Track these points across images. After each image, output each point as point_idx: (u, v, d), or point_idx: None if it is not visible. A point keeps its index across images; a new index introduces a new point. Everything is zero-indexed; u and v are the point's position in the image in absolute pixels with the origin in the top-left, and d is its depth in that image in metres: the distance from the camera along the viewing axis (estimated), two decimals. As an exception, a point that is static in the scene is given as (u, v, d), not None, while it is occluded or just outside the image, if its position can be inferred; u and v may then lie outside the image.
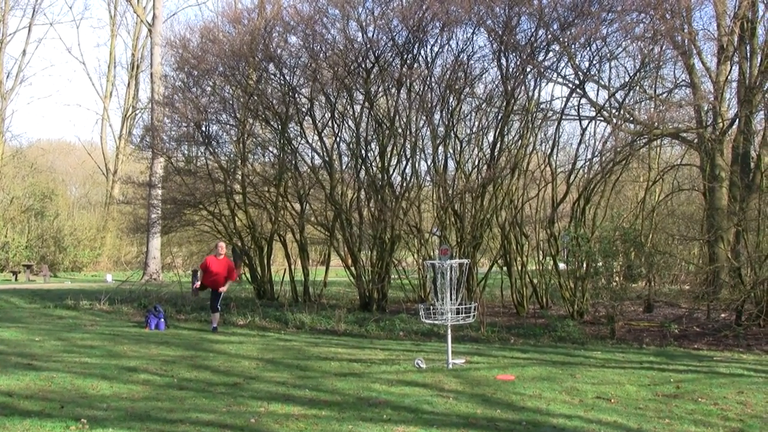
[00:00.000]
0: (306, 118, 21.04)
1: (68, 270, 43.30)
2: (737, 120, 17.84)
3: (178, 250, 33.62)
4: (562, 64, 18.42)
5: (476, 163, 19.77)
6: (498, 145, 18.47)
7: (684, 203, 23.93)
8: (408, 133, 19.30)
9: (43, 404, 7.91)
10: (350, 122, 20.29)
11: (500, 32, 17.40)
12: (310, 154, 21.96)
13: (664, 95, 19.66)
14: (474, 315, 11.54)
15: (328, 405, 8.14)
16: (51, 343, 13.07)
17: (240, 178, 22.11)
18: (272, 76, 21.15)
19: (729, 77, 19.01)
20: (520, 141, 18.44)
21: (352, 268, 19.77)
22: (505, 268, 18.94)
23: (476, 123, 20.05)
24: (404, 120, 19.31)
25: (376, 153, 19.96)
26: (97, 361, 11.15)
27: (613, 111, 17.97)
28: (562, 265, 17.86)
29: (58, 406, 7.85)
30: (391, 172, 19.77)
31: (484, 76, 20.08)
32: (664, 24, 16.45)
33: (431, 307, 11.33)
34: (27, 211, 44.01)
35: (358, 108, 20.04)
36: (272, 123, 21.52)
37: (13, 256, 40.80)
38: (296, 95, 20.70)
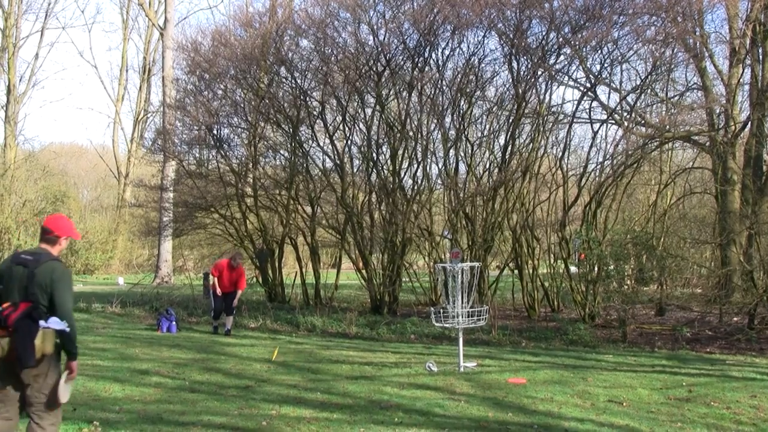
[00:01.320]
0: (317, 121, 21.09)
1: (80, 273, 43.44)
2: (749, 123, 17.81)
3: (190, 253, 33.65)
4: (574, 67, 18.42)
5: (487, 166, 19.77)
6: (509, 148, 18.47)
7: (696, 206, 23.86)
8: (419, 136, 19.32)
9: (56, 406, 7.94)
10: (361, 125, 20.31)
11: (511, 35, 17.39)
12: (321, 158, 22.01)
13: (676, 98, 19.61)
14: (485, 318, 11.54)
15: (340, 408, 8.15)
16: (63, 346, 13.10)
17: (251, 181, 22.15)
18: (283, 80, 21.20)
19: (741, 80, 18.98)
20: (531, 144, 18.45)
21: (363, 271, 19.77)
22: (516, 272, 18.92)
23: (487, 126, 20.07)
24: (415, 123, 19.33)
25: (388, 156, 19.99)
26: (109, 363, 11.19)
27: (625, 114, 17.94)
28: (573, 269, 17.82)
29: (71, 408, 7.87)
30: (402, 175, 19.77)
31: (495, 79, 20.13)
32: (675, 27, 16.41)
33: (442, 311, 11.32)
34: (39, 213, 44.12)
35: (369, 111, 20.09)
36: (283, 126, 21.56)
37: (25, 259, 40.92)
38: (307, 98, 20.74)
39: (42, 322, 5.13)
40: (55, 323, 5.18)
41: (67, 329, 5.20)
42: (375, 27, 18.53)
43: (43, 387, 5.24)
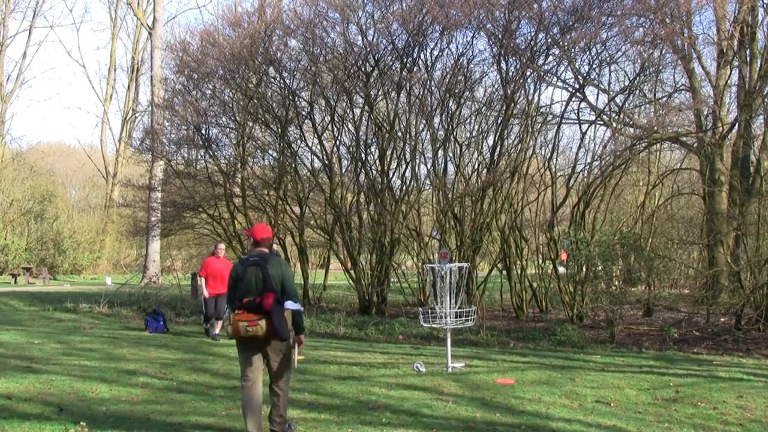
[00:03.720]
0: (306, 121, 21.07)
1: (67, 273, 43.29)
2: (737, 124, 17.86)
3: (178, 253, 33.60)
4: (562, 68, 18.48)
5: (476, 166, 19.79)
6: (498, 149, 18.49)
7: (683, 207, 23.95)
8: (408, 136, 19.32)
9: (42, 407, 7.91)
10: (350, 126, 20.31)
11: (500, 36, 17.41)
12: (309, 158, 21.99)
13: (664, 99, 19.67)
14: (473, 319, 11.54)
15: (328, 408, 8.14)
16: (50, 346, 13.07)
17: (239, 181, 22.10)
18: (272, 80, 21.16)
19: (729, 81, 19.03)
20: (519, 145, 18.45)
21: (352, 272, 19.76)
22: (504, 272, 18.94)
23: (476, 127, 20.12)
24: (404, 123, 19.33)
25: (376, 156, 19.98)
26: (97, 364, 11.15)
27: (613, 115, 17.99)
28: (561, 269, 17.86)
29: (57, 409, 7.84)
30: (390, 176, 19.79)
31: (483, 79, 20.19)
32: (663, 28, 16.46)
33: (431, 311, 11.32)
34: (26, 213, 44.02)
35: (357, 111, 20.07)
36: (272, 126, 21.51)
37: (12, 258, 40.79)
38: (296, 99, 20.72)
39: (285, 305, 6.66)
40: (291, 305, 6.71)
41: (301, 310, 6.88)
42: (364, 27, 18.56)
43: (284, 355, 6.81)
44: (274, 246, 22.36)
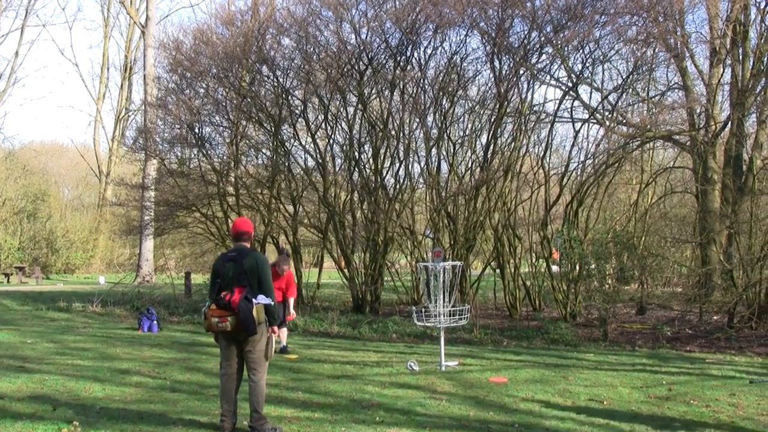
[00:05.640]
0: (299, 120, 21.05)
1: (61, 272, 43.19)
2: (729, 123, 17.92)
3: (171, 252, 33.58)
4: (555, 67, 18.50)
5: (469, 165, 19.80)
6: (491, 148, 18.49)
7: (676, 206, 23.99)
8: (401, 135, 19.31)
9: (35, 406, 7.89)
10: (343, 124, 20.29)
11: (493, 34, 17.42)
12: (303, 156, 21.97)
13: (657, 98, 19.70)
14: (467, 317, 11.55)
15: (321, 407, 8.13)
16: (43, 346, 13.03)
17: (233, 180, 22.05)
18: (265, 78, 21.13)
19: (721, 80, 19.10)
20: (513, 143, 18.48)
21: (345, 270, 19.76)
22: (498, 271, 18.95)
23: (469, 125, 20.10)
24: (397, 122, 19.32)
25: (370, 155, 20.00)
26: (90, 363, 11.12)
27: (606, 113, 18.01)
28: (554, 268, 17.87)
29: (51, 408, 7.82)
30: (384, 174, 19.78)
31: (477, 78, 20.18)
32: (656, 27, 16.49)
33: (424, 310, 11.32)
34: (19, 212, 43.89)
35: (351, 110, 20.06)
36: (265, 125, 21.49)
37: (5, 258, 40.69)
38: (289, 97, 20.69)
39: (254, 300, 6.83)
40: (262, 299, 6.89)
41: (272, 303, 6.95)
42: (357, 26, 18.52)
43: (257, 347, 6.97)
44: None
